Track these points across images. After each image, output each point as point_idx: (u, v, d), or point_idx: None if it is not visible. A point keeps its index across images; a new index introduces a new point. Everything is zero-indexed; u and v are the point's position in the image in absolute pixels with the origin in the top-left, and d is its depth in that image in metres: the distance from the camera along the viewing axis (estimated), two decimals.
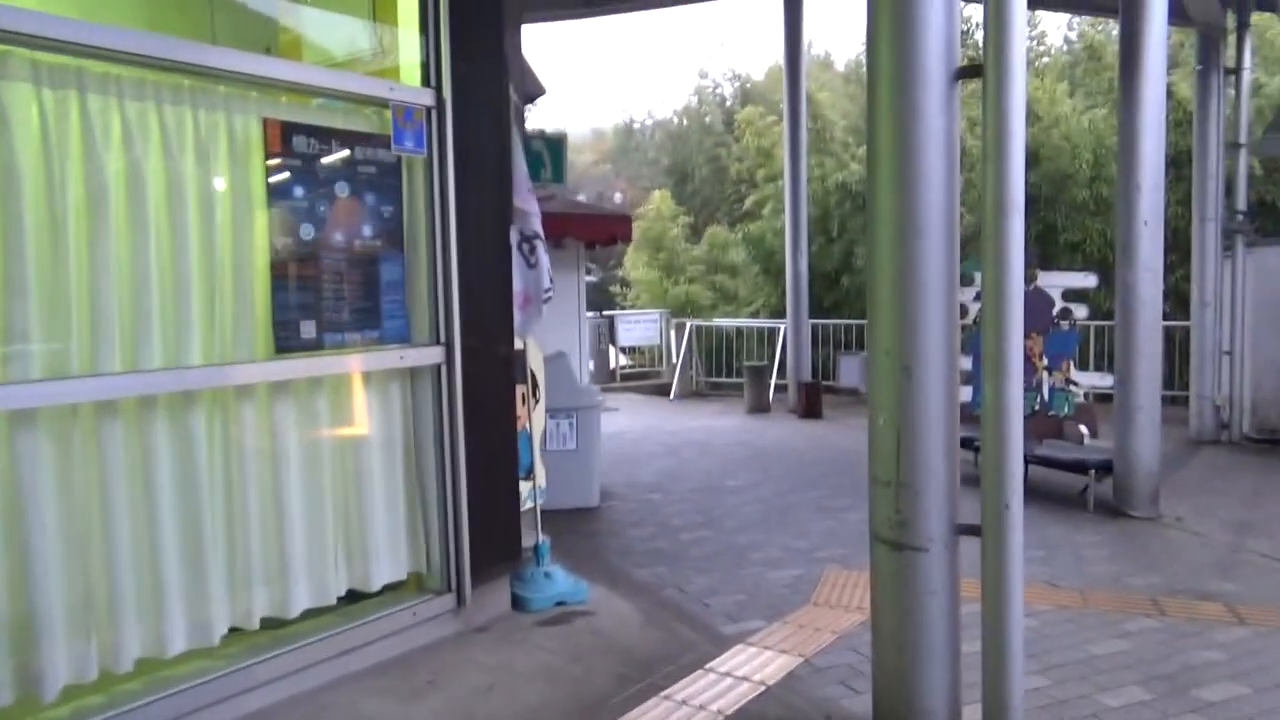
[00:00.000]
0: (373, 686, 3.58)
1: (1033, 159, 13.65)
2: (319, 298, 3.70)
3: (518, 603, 4.50)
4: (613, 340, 15.95)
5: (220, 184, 3.45)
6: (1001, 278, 2.94)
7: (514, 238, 4.56)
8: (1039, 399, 9.55)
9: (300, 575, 3.69)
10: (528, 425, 5.06)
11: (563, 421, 6.77)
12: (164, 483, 3.26)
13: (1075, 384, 9.56)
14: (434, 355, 4.11)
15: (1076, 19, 17.64)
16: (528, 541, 4.77)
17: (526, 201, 4.59)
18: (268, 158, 3.56)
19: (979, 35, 3.70)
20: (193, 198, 3.34)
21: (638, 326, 15.95)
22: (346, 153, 3.80)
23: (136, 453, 3.20)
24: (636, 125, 44.10)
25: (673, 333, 15.45)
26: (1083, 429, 9.31)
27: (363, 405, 3.98)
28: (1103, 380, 9.66)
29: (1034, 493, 7.13)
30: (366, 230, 3.88)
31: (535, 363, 5.21)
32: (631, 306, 18.70)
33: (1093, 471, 6.67)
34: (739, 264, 17.63)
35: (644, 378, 16.25)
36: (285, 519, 3.65)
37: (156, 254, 3.23)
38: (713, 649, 4.01)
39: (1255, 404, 9.78)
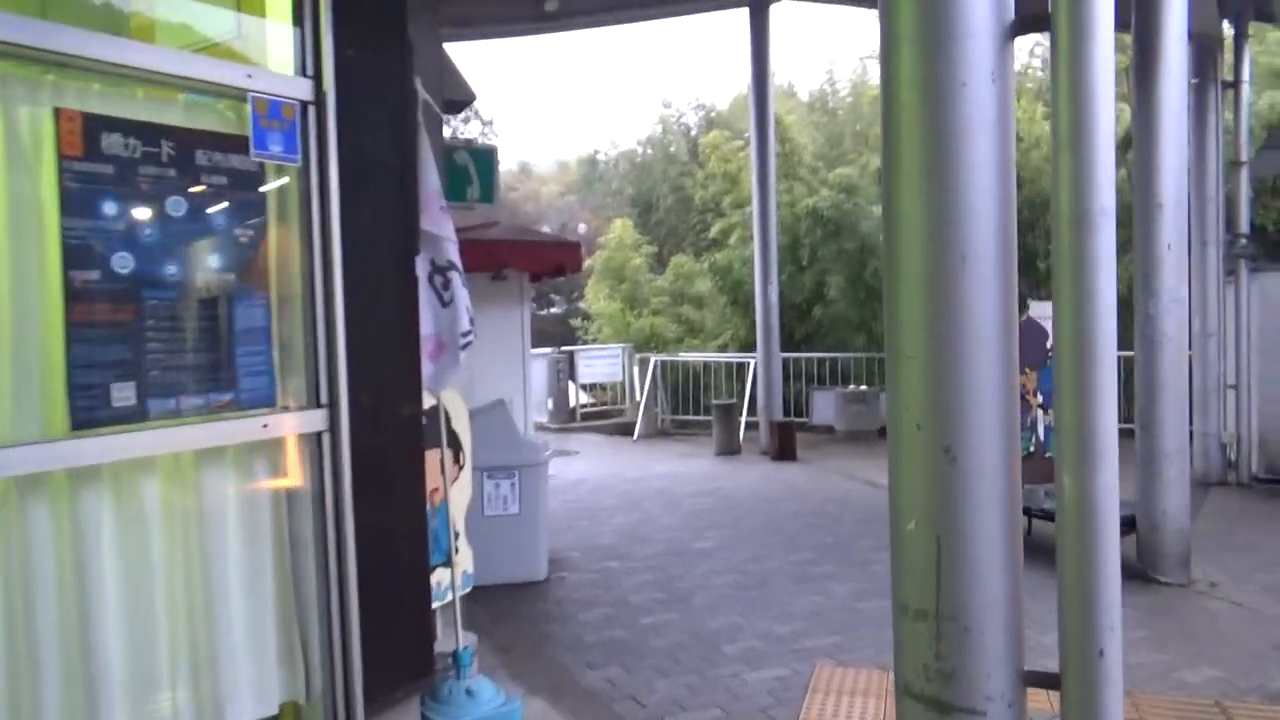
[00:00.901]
0: None
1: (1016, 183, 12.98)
2: (141, 352, 2.75)
3: None
4: (573, 377, 15.02)
5: None
6: (1086, 318, 2.05)
7: (422, 269, 3.65)
8: (1035, 439, 8.76)
9: None
10: (446, 499, 4.11)
11: (502, 482, 5.82)
12: None
13: None
14: (313, 421, 3.17)
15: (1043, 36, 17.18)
16: (447, 646, 3.81)
17: (439, 224, 3.68)
18: (63, 162, 2.62)
19: None
20: None
21: (599, 362, 15.04)
22: (186, 158, 2.87)
23: None
24: (600, 156, 43.55)
25: (636, 368, 14.56)
26: None
27: (211, 492, 3.01)
28: None
29: (1037, 550, 6.28)
30: (214, 261, 2.94)
31: (458, 421, 4.28)
32: (593, 341, 17.80)
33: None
34: (705, 295, 16.83)
35: (606, 416, 15.31)
36: (96, 655, 2.67)
37: None
38: None
39: (1264, 441, 9.05)
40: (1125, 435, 8.79)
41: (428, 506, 4.03)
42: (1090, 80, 1.97)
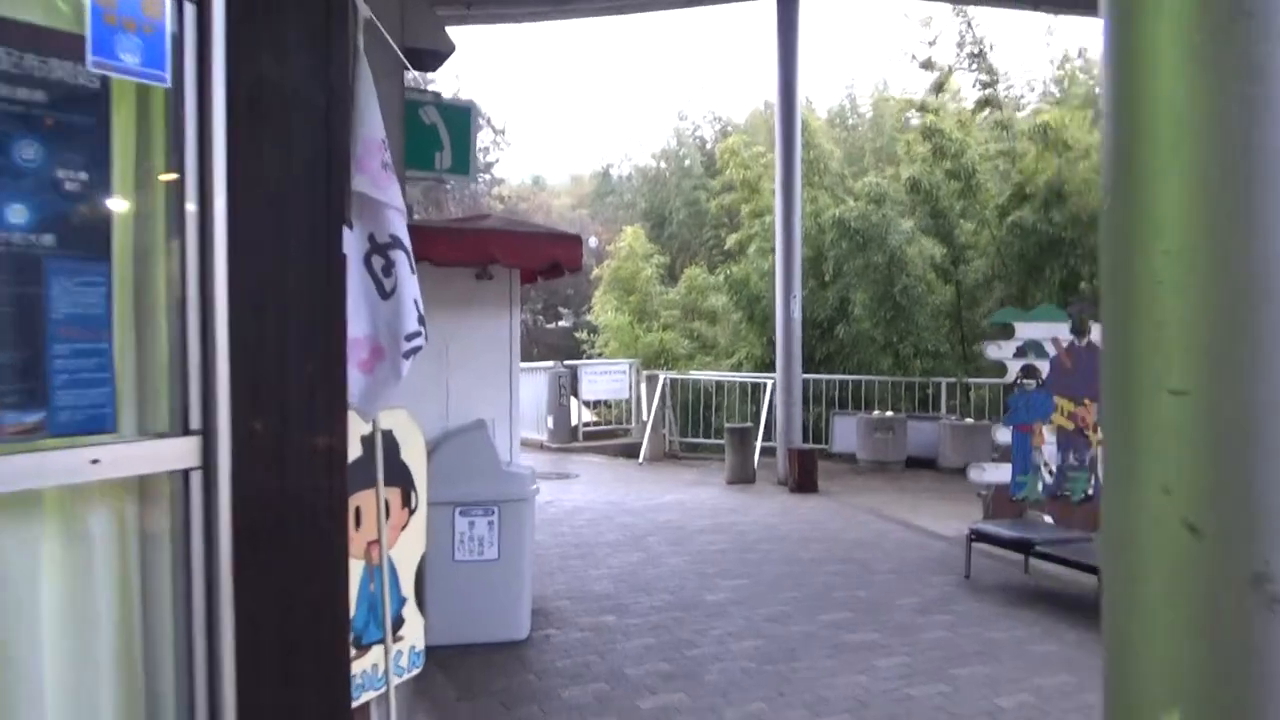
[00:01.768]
0: None
1: (1055, 197, 12.00)
2: None
3: None
4: (576, 393, 14.04)
5: None
6: None
7: (355, 247, 2.69)
8: (1092, 480, 7.72)
9: None
10: (389, 555, 3.13)
11: (478, 520, 4.83)
12: None
13: None
14: (178, 454, 2.19)
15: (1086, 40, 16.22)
16: None
17: (381, 186, 2.72)
18: None
19: None
20: None
21: (604, 378, 14.05)
22: None
23: None
24: (613, 169, 42.84)
25: (644, 386, 13.57)
26: None
27: (11, 560, 2.04)
28: None
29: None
30: (20, 214, 1.98)
31: (409, 451, 3.31)
32: (600, 355, 16.82)
33: None
34: (719, 310, 15.85)
35: (611, 436, 14.31)
36: None
37: None
38: None
39: None
40: None
41: (361, 566, 3.05)
42: None
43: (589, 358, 16.82)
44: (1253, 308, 1.00)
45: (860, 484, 10.93)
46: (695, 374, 13.87)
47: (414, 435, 3.36)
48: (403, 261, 2.77)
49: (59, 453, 2.02)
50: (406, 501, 3.33)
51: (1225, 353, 0.99)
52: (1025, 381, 7.68)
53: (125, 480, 2.18)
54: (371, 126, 2.67)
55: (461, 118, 4.81)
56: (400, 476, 3.30)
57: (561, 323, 38.28)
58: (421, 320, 2.81)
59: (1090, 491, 7.69)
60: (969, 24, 13.31)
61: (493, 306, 5.35)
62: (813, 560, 6.89)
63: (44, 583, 2.04)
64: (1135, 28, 1.08)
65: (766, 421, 12.04)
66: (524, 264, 5.06)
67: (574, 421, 13.96)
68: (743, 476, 10.90)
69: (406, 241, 2.79)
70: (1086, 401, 7.71)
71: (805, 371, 12.44)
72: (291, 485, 2.48)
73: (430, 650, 4.73)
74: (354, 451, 3.01)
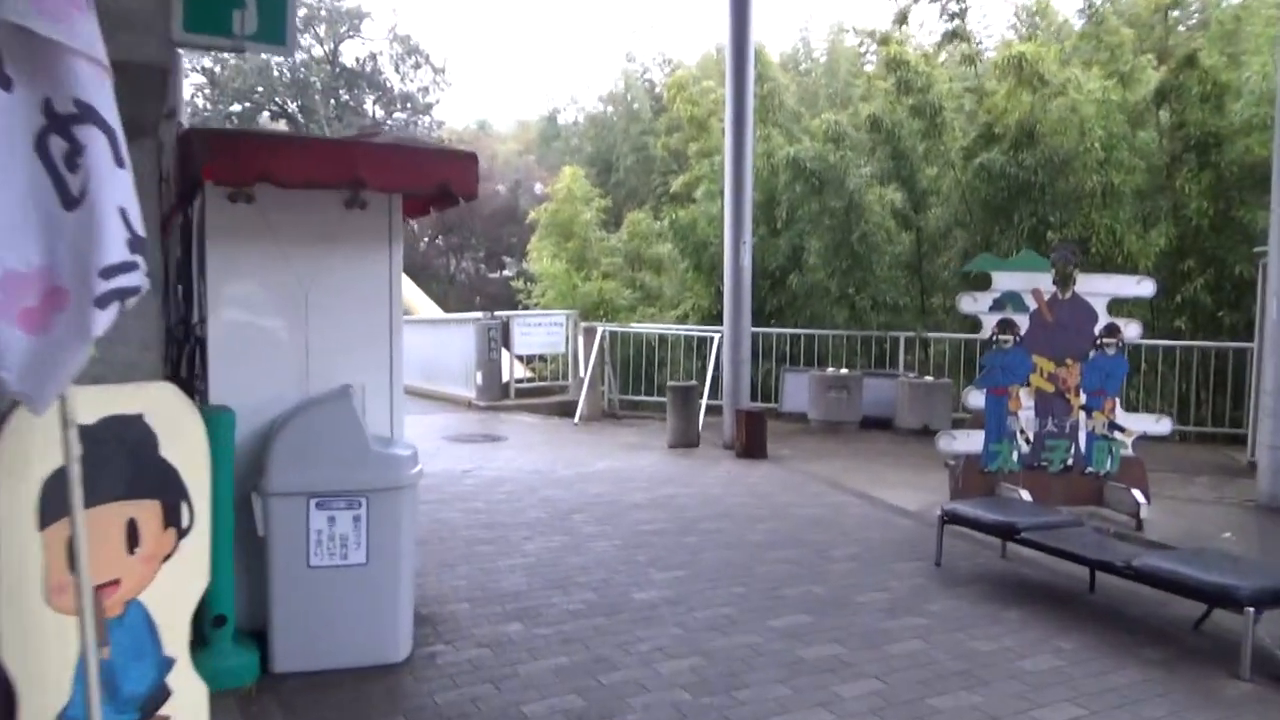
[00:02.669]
0: None
1: (1026, 137, 11.10)
2: None
3: None
4: (508, 347, 12.94)
5: None
6: None
7: (15, 118, 1.57)
8: (1072, 449, 6.91)
9: None
10: (142, 600, 2.07)
11: (340, 515, 3.78)
12: None
13: (1122, 429, 6.95)
14: None
15: None
16: None
17: (57, 17, 1.61)
18: None
19: None
20: None
21: (538, 330, 12.97)
22: None
23: None
24: (560, 113, 41.30)
25: (581, 339, 12.52)
26: (1136, 494, 6.69)
27: None
28: (1158, 425, 7.06)
29: (1104, 617, 4.42)
30: None
31: (179, 446, 2.24)
32: (535, 306, 15.69)
33: (1251, 610, 3.92)
34: (665, 258, 14.81)
35: (546, 394, 13.29)
36: None
37: None
38: None
39: None
40: (1207, 440, 6.61)
41: (70, 626, 2.00)
42: None
43: (525, 308, 15.71)
44: None
45: (813, 447, 10.06)
46: (637, 327, 12.85)
47: (184, 421, 2.30)
48: (99, 147, 1.68)
49: None
50: (172, 520, 2.28)
51: None
52: (1002, 338, 6.80)
53: None
54: None
55: None
56: (158, 483, 2.24)
57: (505, 272, 36.90)
58: (136, 245, 1.73)
59: (1070, 462, 6.88)
60: None
61: (367, 243, 4.24)
62: (761, 544, 5.97)
63: None
64: None
65: (713, 379, 11.10)
66: (402, 186, 3.96)
67: (505, 378, 12.89)
68: (686, 440, 9.97)
69: (111, 115, 1.70)
70: (1069, 361, 6.86)
71: (755, 325, 11.49)
72: None
73: (278, 680, 3.72)
74: (53, 454, 1.95)
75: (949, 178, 12.08)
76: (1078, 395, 6.86)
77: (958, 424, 10.48)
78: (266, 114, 41.39)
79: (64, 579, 2.09)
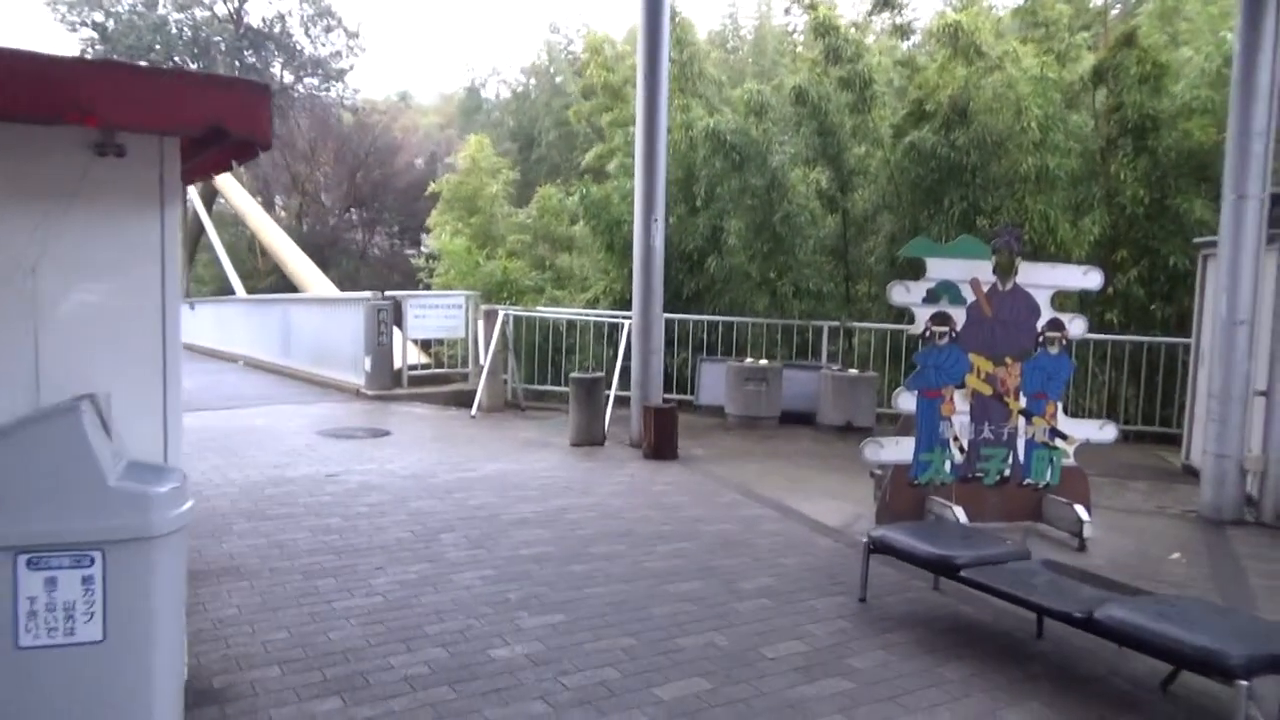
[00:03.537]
0: None
1: (958, 116, 10.40)
2: None
3: None
4: (400, 327, 11.81)
5: None
6: None
7: None
8: (1010, 458, 6.19)
9: None
10: None
11: (63, 574, 2.75)
12: None
13: (1064, 437, 6.25)
14: None
15: None
16: None
17: None
18: None
19: None
20: None
21: (434, 313, 11.86)
22: None
23: None
24: (484, 87, 39.88)
25: (481, 323, 11.46)
26: (1079, 510, 6.00)
27: None
28: (1102, 432, 6.38)
29: (1054, 677, 3.64)
30: None
31: None
32: (441, 286, 14.52)
33: (1244, 684, 3.16)
34: (579, 236, 13.81)
35: (444, 381, 12.21)
36: None
37: None
38: None
39: None
40: (1137, 439, 5.79)
41: None
42: None
43: (427, 288, 14.54)
44: None
45: (729, 446, 9.24)
46: (543, 311, 11.84)
47: None
48: None
49: None
50: None
51: None
52: (937, 330, 6.02)
53: None
54: None
55: None
56: None
57: (423, 249, 35.41)
58: None
59: (1006, 472, 6.15)
60: None
61: (126, 202, 3.18)
62: (661, 573, 5.08)
63: None
64: None
65: (624, 369, 10.18)
66: (157, 122, 2.90)
67: (397, 364, 11.76)
68: (589, 437, 9.04)
69: None
70: (1008, 360, 6.12)
71: (670, 311, 10.64)
72: None
73: None
74: None
75: (877, 157, 11.35)
76: (1017, 398, 6.14)
77: (884, 421, 9.81)
78: None
79: None
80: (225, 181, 26.50)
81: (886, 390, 10.32)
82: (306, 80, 40.18)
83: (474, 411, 10.72)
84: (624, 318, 10.56)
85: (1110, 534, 6.19)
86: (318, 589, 4.66)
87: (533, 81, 34.50)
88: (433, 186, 15.74)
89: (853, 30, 11.40)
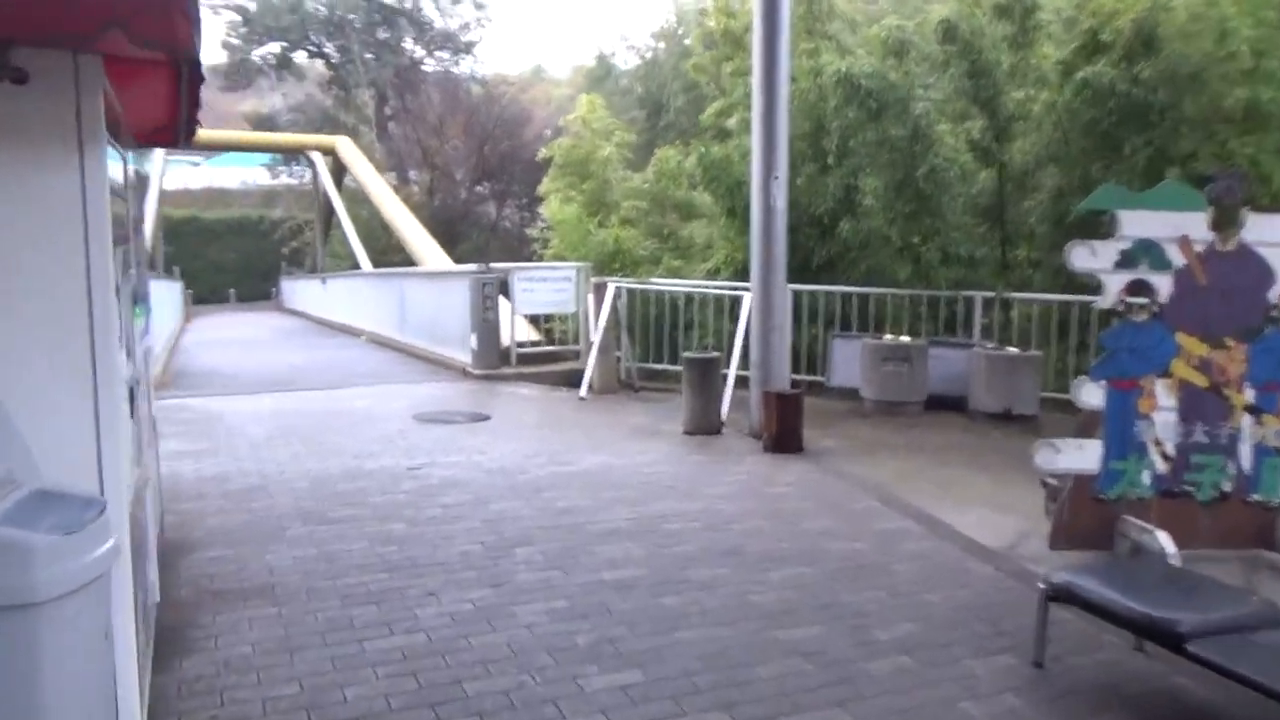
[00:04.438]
0: None
1: (1143, 46, 8.75)
2: None
3: None
4: (511, 305, 11.11)
5: None
6: None
7: None
8: (1229, 468, 4.83)
9: None
10: None
11: None
12: None
13: None
14: None
15: None
16: None
17: None
18: None
19: None
20: None
21: (542, 286, 11.10)
22: None
23: None
24: (615, 55, 39.15)
25: (591, 297, 10.62)
26: None
27: None
28: None
29: None
30: None
31: None
32: (554, 258, 13.79)
33: None
34: (699, 202, 12.76)
35: (554, 360, 11.46)
36: None
37: None
38: None
39: None
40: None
41: None
42: None
43: (541, 260, 13.85)
44: None
45: (864, 437, 8.07)
46: (657, 283, 10.89)
47: None
48: None
49: None
50: None
51: None
52: (1133, 302, 4.71)
53: None
54: None
55: None
56: None
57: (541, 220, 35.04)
58: None
59: (1226, 486, 4.79)
60: None
61: (30, 145, 2.39)
62: (771, 612, 4.06)
63: None
64: None
65: (744, 347, 9.12)
66: (33, 25, 2.07)
67: (505, 342, 11.08)
68: (705, 425, 8.06)
69: None
70: (1230, 342, 4.74)
71: (799, 281, 9.51)
72: None
73: None
74: None
75: (1041, 100, 9.77)
76: (1240, 390, 4.75)
77: (1049, 407, 8.40)
78: (304, 54, 39.86)
79: None
80: (351, 156, 26.75)
81: (1051, 372, 8.88)
82: (437, 54, 40.45)
83: (583, 393, 9.91)
84: (746, 289, 9.48)
85: None
86: (353, 621, 3.89)
87: (661, 46, 33.49)
88: (543, 151, 14.98)
89: None
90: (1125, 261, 4.71)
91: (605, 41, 60.03)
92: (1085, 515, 4.75)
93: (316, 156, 29.52)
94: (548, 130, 41.88)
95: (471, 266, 11.47)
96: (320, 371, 12.06)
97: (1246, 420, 4.76)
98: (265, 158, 38.73)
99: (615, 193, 13.30)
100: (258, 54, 38.92)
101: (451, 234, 30.65)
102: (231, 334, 20.11)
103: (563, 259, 12.60)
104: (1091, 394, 4.74)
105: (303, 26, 37.97)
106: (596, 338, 10.18)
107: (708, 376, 8.17)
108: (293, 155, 34.70)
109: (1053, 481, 5.07)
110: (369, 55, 37.79)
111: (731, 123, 11.49)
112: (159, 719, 3.02)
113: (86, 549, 2.15)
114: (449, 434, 7.86)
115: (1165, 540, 4.41)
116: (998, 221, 10.39)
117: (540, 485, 6.17)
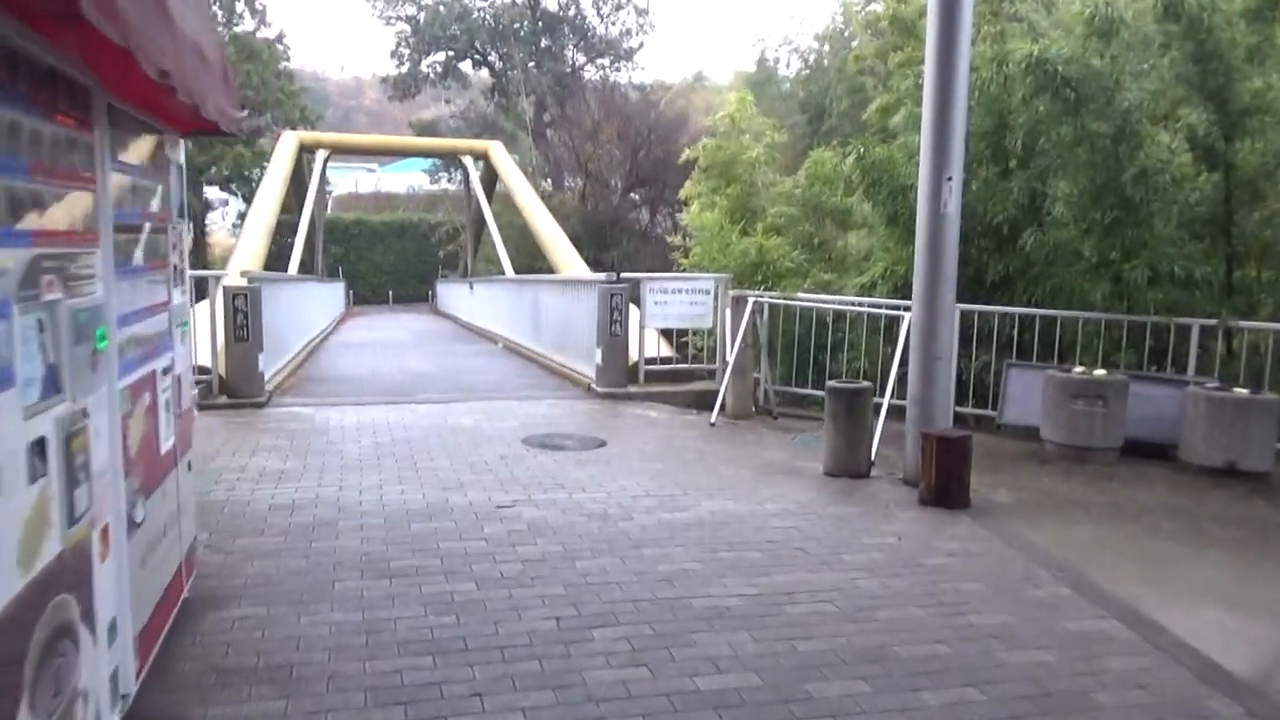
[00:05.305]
0: None
1: None
2: None
3: None
4: (642, 319, 10.21)
5: None
6: None
7: None
8: None
9: None
10: None
11: None
12: None
13: None
14: None
15: None
16: None
17: None
18: None
19: None
20: None
21: (676, 299, 10.13)
22: None
23: None
24: (777, 60, 37.90)
25: (728, 312, 9.59)
26: None
27: None
28: None
29: None
30: None
31: None
32: (693, 267, 12.80)
33: None
34: (855, 211, 11.49)
35: (686, 379, 10.48)
36: None
37: None
38: None
39: None
40: None
41: None
42: None
43: (678, 269, 12.90)
44: None
45: (1046, 489, 6.67)
46: (803, 298, 9.72)
47: None
48: None
49: None
50: None
51: None
52: None
53: None
54: None
55: None
56: None
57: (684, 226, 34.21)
58: None
59: None
60: None
61: None
62: None
63: None
64: None
65: (900, 374, 7.85)
66: None
67: (634, 357, 10.19)
68: (849, 467, 6.87)
69: None
70: None
71: (969, 301, 8.19)
72: None
73: None
74: None
75: None
76: None
77: None
78: (469, 63, 40.66)
79: None
80: (502, 160, 26.76)
81: None
82: (598, 60, 40.38)
83: (714, 418, 8.87)
84: (906, 308, 8.20)
85: None
86: None
87: (825, 48, 32.05)
88: (688, 153, 14.03)
89: None
90: None
91: (764, 43, 58.65)
92: None
93: (468, 161, 29.79)
94: (703, 136, 41.14)
95: (601, 276, 10.64)
96: (443, 381, 11.56)
97: None
98: (427, 163, 39.70)
99: (762, 198, 12.19)
100: (425, 64, 39.97)
101: (602, 240, 30.25)
102: (377, 335, 20.23)
103: (702, 269, 11.61)
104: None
105: (469, 36, 38.71)
106: (732, 356, 9.13)
107: (856, 410, 6.96)
108: (450, 160, 35.30)
109: None
110: (531, 64, 38.09)
111: (896, 119, 10.17)
112: None
113: None
114: (554, 463, 7.00)
115: None
116: (1222, 235, 8.64)
117: (643, 538, 5.19)
